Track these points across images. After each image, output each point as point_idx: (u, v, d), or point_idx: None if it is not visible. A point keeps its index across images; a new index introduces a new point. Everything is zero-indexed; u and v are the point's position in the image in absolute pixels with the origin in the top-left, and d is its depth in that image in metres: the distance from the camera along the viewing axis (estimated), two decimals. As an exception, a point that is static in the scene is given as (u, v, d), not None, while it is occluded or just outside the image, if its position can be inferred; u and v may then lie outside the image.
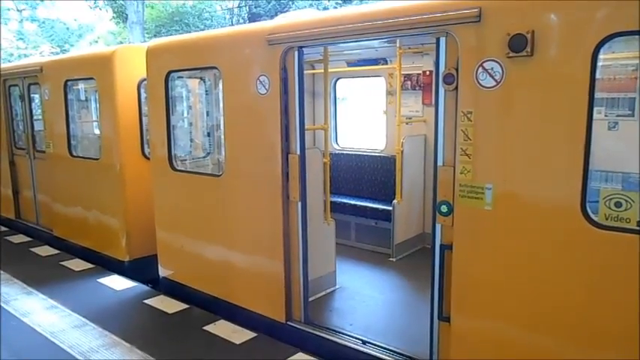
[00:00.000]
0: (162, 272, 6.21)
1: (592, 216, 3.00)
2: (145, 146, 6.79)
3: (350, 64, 7.65)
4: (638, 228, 2.94)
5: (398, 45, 6.37)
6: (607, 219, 3.03)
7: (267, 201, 4.79)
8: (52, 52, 27.93)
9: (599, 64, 2.90)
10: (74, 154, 7.58)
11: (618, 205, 3.01)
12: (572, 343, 3.14)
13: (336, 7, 19.83)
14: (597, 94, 2.96)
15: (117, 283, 6.42)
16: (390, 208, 6.65)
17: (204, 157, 7.10)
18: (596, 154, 3.20)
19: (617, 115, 4.26)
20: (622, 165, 4.04)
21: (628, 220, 2.98)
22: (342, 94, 9.27)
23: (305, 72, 4.64)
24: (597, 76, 2.90)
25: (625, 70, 4.20)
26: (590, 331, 3.08)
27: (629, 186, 3.88)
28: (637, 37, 3.09)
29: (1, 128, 9.38)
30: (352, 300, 5.49)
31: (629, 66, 4.16)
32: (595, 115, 2.95)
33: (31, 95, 8.81)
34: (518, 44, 3.07)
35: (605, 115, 4.29)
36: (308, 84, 7.75)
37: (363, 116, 17.35)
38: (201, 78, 6.99)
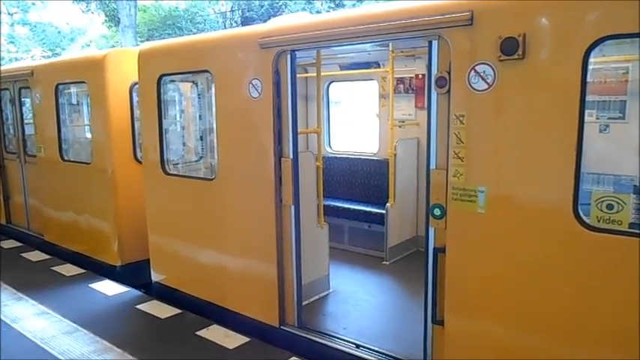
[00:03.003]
0: (155, 277, 6.17)
1: (584, 218, 3.01)
2: (137, 150, 6.75)
3: (343, 67, 7.66)
4: (629, 230, 2.96)
5: (390, 48, 6.39)
6: (599, 221, 3.05)
7: (260, 205, 4.78)
8: (43, 56, 27.73)
9: (590, 67, 2.92)
10: (65, 158, 7.53)
11: (610, 207, 3.03)
12: (565, 345, 3.15)
13: (328, 11, 19.88)
14: (588, 97, 2.98)
15: (109, 288, 6.37)
16: (384, 211, 6.65)
17: (196, 160, 7.08)
18: (588, 157, 3.22)
19: (608, 118, 4.29)
20: (613, 167, 4.07)
21: (620, 223, 3.00)
22: (335, 98, 9.27)
23: (298, 75, 4.64)
24: (588, 79, 2.92)
25: (615, 73, 4.23)
26: (583, 332, 3.08)
27: (621, 188, 3.90)
28: (627, 40, 3.12)
29: None
30: (346, 304, 5.48)
31: (619, 69, 4.20)
32: (586, 118, 2.97)
33: (22, 99, 8.74)
34: (510, 47, 3.09)
35: (597, 118, 4.32)
36: (301, 87, 7.76)
37: (356, 120, 17.38)
38: (193, 82, 6.98)
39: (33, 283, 6.56)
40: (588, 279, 3.02)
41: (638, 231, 2.88)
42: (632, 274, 2.83)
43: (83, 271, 7.00)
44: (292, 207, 4.63)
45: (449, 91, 3.43)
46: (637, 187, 3.88)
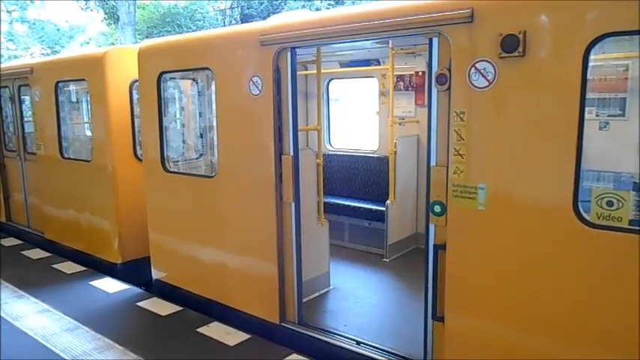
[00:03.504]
0: (155, 274, 6.18)
1: (584, 215, 3.02)
2: (137, 148, 6.75)
3: (343, 64, 7.66)
4: (629, 227, 2.97)
5: (390, 46, 6.39)
6: (599, 218, 3.05)
7: (260, 202, 4.78)
8: (42, 54, 27.72)
9: (591, 64, 2.92)
10: (65, 156, 7.53)
11: (610, 204, 3.03)
12: (566, 343, 3.16)
13: (328, 8, 19.85)
14: (588, 95, 2.98)
15: (109, 285, 6.38)
16: (384, 208, 6.66)
17: (196, 158, 7.08)
18: (588, 154, 3.23)
19: (608, 115, 4.30)
20: (613, 164, 4.07)
21: (620, 219, 3.00)
22: (335, 95, 9.27)
23: (298, 73, 4.64)
24: (588, 76, 2.92)
25: (615, 71, 4.24)
26: (583, 330, 3.09)
27: (621, 185, 3.91)
28: (627, 37, 3.12)
29: None
30: (346, 301, 5.49)
31: (619, 66, 4.20)
32: (586, 115, 2.97)
33: (22, 97, 8.74)
34: (511, 44, 3.09)
35: (597, 115, 4.33)
36: (301, 85, 7.76)
37: (356, 117, 17.37)
38: (193, 79, 6.97)
39: (34, 280, 6.57)
40: (588, 276, 3.03)
41: (638, 228, 2.89)
42: (632, 271, 2.84)
43: (84, 268, 7.01)
44: (292, 204, 4.63)
45: (449, 88, 3.43)
46: (637, 184, 3.89)
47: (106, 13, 24.40)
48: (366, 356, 4.24)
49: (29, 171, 8.69)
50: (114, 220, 6.78)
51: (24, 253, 7.81)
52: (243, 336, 4.86)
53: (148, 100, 5.81)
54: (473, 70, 3.28)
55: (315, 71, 5.56)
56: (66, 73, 7.40)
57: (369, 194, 7.47)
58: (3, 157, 9.38)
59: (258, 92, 4.62)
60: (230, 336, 4.88)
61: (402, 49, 6.65)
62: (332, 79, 8.03)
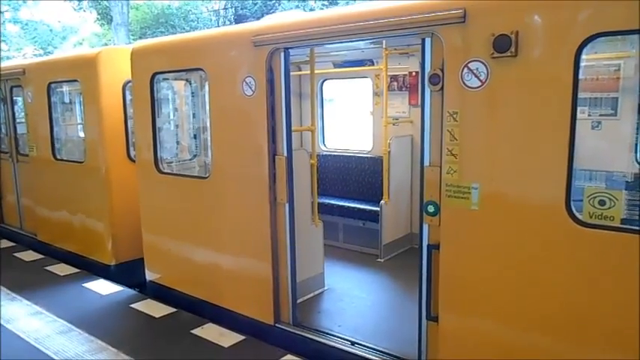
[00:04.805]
0: (149, 276, 6.15)
1: (576, 214, 3.03)
2: (131, 149, 6.72)
3: (336, 65, 7.66)
4: (621, 226, 2.98)
5: (384, 46, 6.40)
6: (591, 217, 3.07)
7: (254, 203, 4.77)
8: (35, 54, 27.56)
9: (582, 64, 2.94)
10: (58, 157, 7.49)
11: (602, 203, 3.05)
12: (559, 341, 3.17)
13: (322, 9, 19.85)
14: (580, 94, 3.00)
15: (103, 287, 6.35)
16: (378, 208, 6.66)
17: (190, 159, 7.06)
18: (580, 153, 3.25)
19: (600, 115, 4.33)
20: (605, 164, 4.10)
21: (612, 218, 3.02)
22: (328, 96, 9.27)
23: (291, 73, 4.63)
24: (580, 76, 2.94)
25: (607, 71, 4.26)
26: (576, 329, 3.10)
27: (613, 184, 3.93)
28: (619, 37, 3.14)
29: None
30: (341, 301, 5.49)
31: (611, 66, 4.23)
32: (578, 115, 2.98)
33: (14, 98, 8.68)
34: (503, 45, 3.10)
35: (589, 115, 4.35)
36: (294, 85, 7.76)
37: (349, 117, 17.39)
38: (187, 80, 6.95)
39: (26, 282, 6.52)
40: (581, 275, 3.04)
41: (629, 227, 2.90)
42: (625, 270, 2.86)
43: (77, 270, 6.97)
44: (286, 205, 4.63)
45: (442, 88, 3.44)
46: (629, 183, 3.92)
47: (99, 14, 24.32)
48: (361, 357, 4.23)
49: (21, 172, 8.63)
50: (107, 221, 6.74)
51: (16, 255, 7.76)
52: (237, 337, 4.85)
53: (141, 101, 5.79)
54: (465, 70, 3.29)
55: (308, 72, 5.56)
56: (58, 73, 7.36)
57: (363, 194, 7.47)
58: (-5, 159, 9.32)
59: (251, 93, 4.61)
60: (224, 337, 4.87)
61: (395, 49, 6.66)
62: (326, 79, 8.02)
